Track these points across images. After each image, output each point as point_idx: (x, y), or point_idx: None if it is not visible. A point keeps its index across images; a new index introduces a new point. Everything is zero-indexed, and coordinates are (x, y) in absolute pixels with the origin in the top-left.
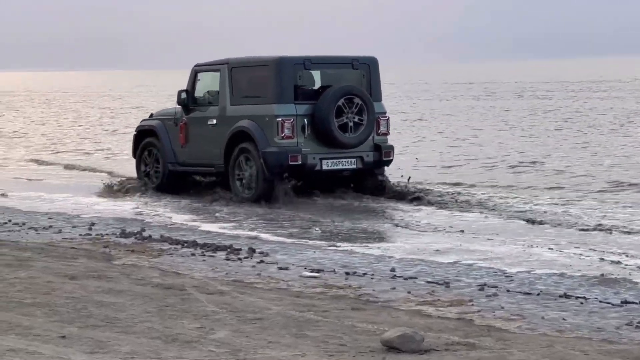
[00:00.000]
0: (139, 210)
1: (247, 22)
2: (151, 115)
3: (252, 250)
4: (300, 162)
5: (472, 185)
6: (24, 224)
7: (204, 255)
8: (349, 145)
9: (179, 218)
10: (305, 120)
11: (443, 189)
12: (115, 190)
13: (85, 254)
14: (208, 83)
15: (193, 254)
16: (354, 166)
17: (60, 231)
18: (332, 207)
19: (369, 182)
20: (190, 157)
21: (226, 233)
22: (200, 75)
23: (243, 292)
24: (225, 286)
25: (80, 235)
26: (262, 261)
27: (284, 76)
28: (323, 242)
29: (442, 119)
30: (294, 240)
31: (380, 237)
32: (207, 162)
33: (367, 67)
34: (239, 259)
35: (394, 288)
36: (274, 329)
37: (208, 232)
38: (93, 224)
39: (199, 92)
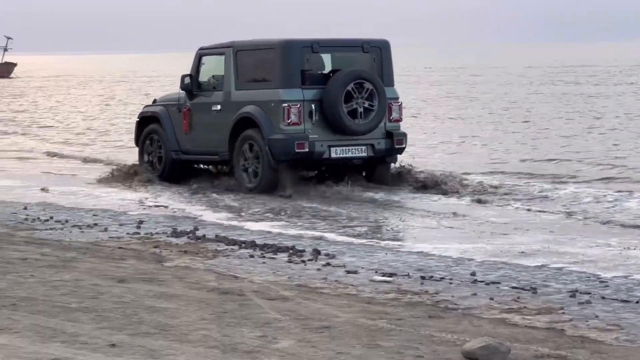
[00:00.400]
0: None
1: None
2: (154, 100)
3: (317, 252)
4: (307, 150)
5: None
6: (66, 221)
7: (264, 257)
8: (359, 132)
9: (213, 216)
10: (313, 105)
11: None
12: (109, 179)
13: (134, 254)
14: (213, 67)
15: (252, 256)
16: (364, 154)
17: (106, 229)
18: (362, 200)
19: (380, 171)
20: (194, 145)
21: (287, 233)
22: (204, 59)
23: (308, 297)
24: (288, 291)
25: (128, 234)
26: (328, 264)
27: (291, 60)
28: (396, 243)
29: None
30: (362, 241)
31: (454, 237)
32: (211, 150)
33: (379, 51)
34: (303, 261)
35: (475, 294)
36: (343, 339)
37: (268, 232)
38: (142, 222)
39: (204, 76)
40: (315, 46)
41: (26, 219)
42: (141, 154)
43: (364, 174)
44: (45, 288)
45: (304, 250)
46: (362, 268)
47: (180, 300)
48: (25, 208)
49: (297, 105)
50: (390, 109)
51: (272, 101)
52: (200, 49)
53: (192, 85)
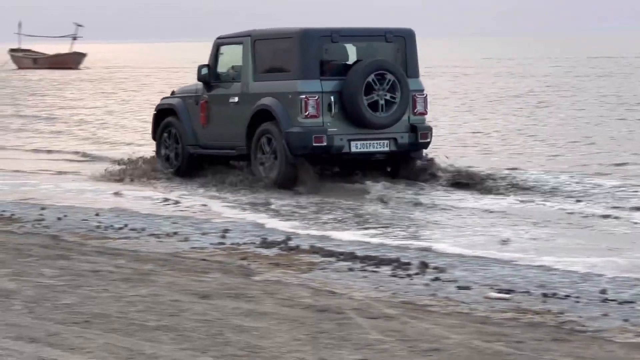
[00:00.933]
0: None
1: None
2: (172, 92)
3: (424, 265)
4: (325, 144)
5: None
6: (143, 229)
7: (365, 270)
8: (380, 125)
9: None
10: (332, 97)
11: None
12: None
13: (219, 267)
14: (231, 57)
15: (351, 269)
16: (386, 148)
17: (187, 239)
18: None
19: (405, 167)
20: (212, 138)
21: (391, 243)
22: (222, 49)
23: (415, 316)
24: (392, 309)
25: (211, 244)
26: (437, 278)
27: (309, 50)
28: (513, 255)
29: None
30: (476, 253)
31: (578, 249)
32: (228, 144)
33: (403, 40)
34: (409, 275)
35: (605, 314)
36: None
37: (368, 242)
38: (227, 231)
39: (222, 67)
40: (335, 36)
41: (98, 227)
42: (158, 148)
43: (388, 169)
44: (120, 304)
45: (409, 263)
46: (476, 283)
47: (271, 318)
48: (97, 214)
49: (315, 97)
50: (415, 101)
51: (290, 93)
52: (218, 38)
53: (210, 76)
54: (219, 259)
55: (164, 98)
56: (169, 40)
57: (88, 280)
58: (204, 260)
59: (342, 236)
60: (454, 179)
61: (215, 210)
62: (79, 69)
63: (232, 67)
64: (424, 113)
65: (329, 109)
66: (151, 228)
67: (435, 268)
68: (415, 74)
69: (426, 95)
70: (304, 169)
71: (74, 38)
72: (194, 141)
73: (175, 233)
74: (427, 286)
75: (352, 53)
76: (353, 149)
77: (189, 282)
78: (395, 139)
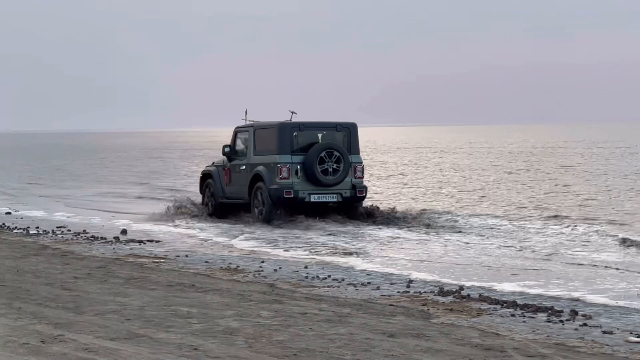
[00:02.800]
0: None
1: None
2: (213, 162)
3: (574, 313)
4: (292, 196)
5: None
6: (342, 280)
7: (524, 316)
8: (329, 184)
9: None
10: (298, 166)
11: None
12: (172, 214)
13: (403, 311)
14: (243, 140)
15: (513, 315)
16: (335, 199)
17: (378, 288)
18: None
19: (352, 211)
20: (232, 192)
21: (546, 294)
22: (238, 135)
23: (565, 355)
24: (546, 349)
25: (398, 292)
26: (585, 324)
27: (284, 136)
28: None
29: None
30: (619, 303)
31: None
32: (240, 196)
33: (348, 130)
34: (561, 321)
35: None
36: None
37: (527, 292)
38: (411, 281)
39: (239, 146)
40: (302, 126)
41: (306, 277)
42: (203, 198)
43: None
44: (322, 341)
45: (562, 311)
46: (618, 329)
47: (446, 355)
48: (306, 267)
49: (287, 166)
50: (355, 169)
51: (272, 163)
52: (236, 127)
53: (230, 152)
54: (404, 304)
55: (206, 166)
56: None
57: (297, 321)
58: (392, 305)
59: (505, 287)
60: (384, 219)
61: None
62: None
63: (244, 147)
64: (362, 177)
65: (296, 174)
66: (350, 278)
67: (583, 315)
68: (357, 152)
69: (364, 166)
70: (280, 212)
71: None
72: (222, 194)
73: (369, 283)
74: (576, 330)
75: (313, 138)
76: (312, 199)
77: (378, 323)
78: (341, 194)
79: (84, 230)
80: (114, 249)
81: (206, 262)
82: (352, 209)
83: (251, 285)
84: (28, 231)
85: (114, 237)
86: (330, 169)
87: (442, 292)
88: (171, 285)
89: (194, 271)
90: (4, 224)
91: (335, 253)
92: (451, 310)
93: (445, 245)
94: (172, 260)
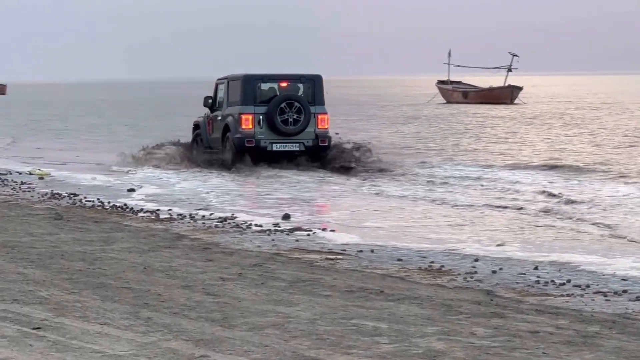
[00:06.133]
0: None
1: None
2: (205, 114)
3: None
4: (254, 145)
5: None
6: (588, 286)
7: None
8: (290, 134)
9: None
10: (261, 117)
11: None
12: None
13: None
14: (220, 92)
15: None
16: (297, 148)
17: (638, 298)
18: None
19: (316, 158)
20: (212, 142)
21: None
22: (219, 87)
23: None
24: None
25: None
26: None
27: (247, 88)
28: None
29: None
30: None
31: None
32: (218, 145)
33: (312, 82)
34: None
35: None
36: None
37: None
38: None
39: (219, 98)
40: (265, 78)
41: (537, 282)
42: (191, 145)
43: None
44: None
45: None
46: None
47: None
48: (536, 268)
49: (249, 115)
50: (318, 119)
51: (237, 114)
52: (217, 79)
53: (213, 104)
54: None
55: (197, 118)
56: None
57: (525, 342)
58: None
59: None
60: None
61: None
62: (515, 104)
63: (221, 98)
64: (326, 127)
65: (259, 124)
66: (598, 284)
67: None
68: (322, 103)
69: (328, 116)
70: (243, 158)
71: (509, 70)
72: (207, 143)
73: (624, 291)
74: None
75: (277, 89)
76: (274, 148)
77: (638, 348)
78: (303, 143)
79: (233, 215)
80: (272, 240)
81: (399, 259)
82: (318, 157)
83: (461, 293)
84: (158, 215)
85: (273, 224)
86: (291, 119)
87: None
88: (351, 291)
89: (382, 272)
90: (125, 205)
91: None
92: None
93: None
94: (352, 256)
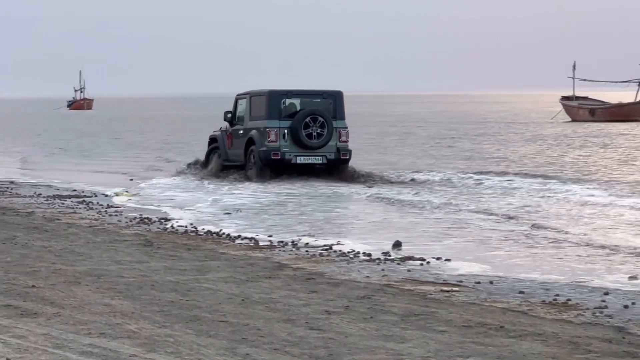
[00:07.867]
0: None
1: None
2: (220, 128)
3: None
4: (279, 157)
5: None
6: None
7: None
8: (313, 147)
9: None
10: (286, 130)
11: None
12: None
13: None
14: (242, 107)
15: None
16: (320, 161)
17: None
18: None
19: (338, 172)
20: (232, 155)
21: None
22: (239, 102)
23: None
24: None
25: None
26: None
27: (273, 103)
28: None
29: None
30: None
31: None
32: (239, 158)
33: (334, 97)
34: None
35: None
36: None
37: None
38: None
39: (239, 112)
40: (290, 94)
41: None
42: (206, 160)
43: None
44: None
45: None
46: None
47: None
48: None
49: (275, 130)
50: (340, 134)
51: (262, 127)
52: (237, 95)
53: (232, 118)
54: None
55: (214, 131)
56: None
57: None
58: None
59: None
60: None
61: None
62: None
63: (243, 113)
64: (346, 141)
65: (284, 137)
66: None
67: None
68: (342, 117)
69: (348, 130)
70: (269, 171)
71: None
72: (225, 157)
73: None
74: None
75: (299, 105)
76: (298, 161)
77: None
78: (325, 156)
79: (331, 247)
80: (382, 269)
81: (520, 291)
82: (338, 170)
83: (589, 329)
84: (257, 242)
85: (383, 253)
86: (315, 133)
87: None
88: (469, 326)
89: (502, 305)
90: (221, 230)
91: None
92: None
93: None
94: (470, 288)
